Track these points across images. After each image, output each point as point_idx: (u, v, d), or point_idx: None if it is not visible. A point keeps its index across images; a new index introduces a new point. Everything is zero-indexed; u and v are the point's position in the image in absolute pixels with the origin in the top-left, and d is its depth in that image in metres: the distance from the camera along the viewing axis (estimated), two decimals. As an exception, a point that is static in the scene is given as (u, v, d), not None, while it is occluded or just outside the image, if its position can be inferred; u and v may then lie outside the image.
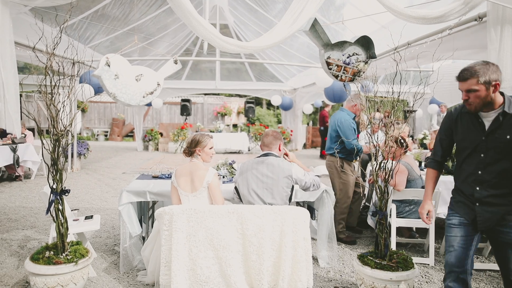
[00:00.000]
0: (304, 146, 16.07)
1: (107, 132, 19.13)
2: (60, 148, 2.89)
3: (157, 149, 14.19)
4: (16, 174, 7.70)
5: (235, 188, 3.25)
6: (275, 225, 2.75)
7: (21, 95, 3.72)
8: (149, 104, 13.24)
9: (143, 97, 2.82)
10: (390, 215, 3.72)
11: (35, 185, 7.38)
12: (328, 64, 3.24)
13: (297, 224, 2.77)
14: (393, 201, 3.87)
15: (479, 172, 2.27)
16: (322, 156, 12.31)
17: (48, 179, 2.89)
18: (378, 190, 2.99)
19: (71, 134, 8.34)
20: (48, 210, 2.91)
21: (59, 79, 2.89)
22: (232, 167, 4.28)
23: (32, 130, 10.87)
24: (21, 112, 4.24)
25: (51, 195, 2.91)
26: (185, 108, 14.22)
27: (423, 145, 8.55)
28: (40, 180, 7.84)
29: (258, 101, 19.59)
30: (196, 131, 14.20)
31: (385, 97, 3.08)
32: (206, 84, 14.33)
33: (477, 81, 2.14)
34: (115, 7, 7.54)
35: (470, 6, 3.29)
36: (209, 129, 15.44)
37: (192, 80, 14.44)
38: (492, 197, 2.24)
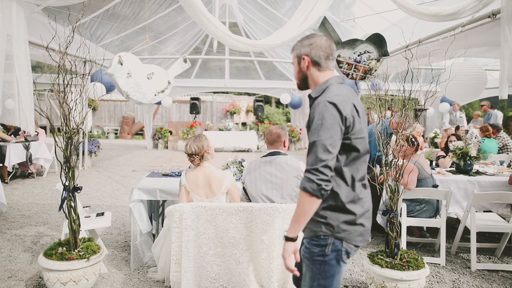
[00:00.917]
0: (313, 144, 16.00)
1: (117, 130, 19.31)
2: (73, 146, 2.93)
3: (167, 147, 14.27)
4: (29, 171, 7.83)
5: (243, 189, 3.19)
6: (285, 223, 2.75)
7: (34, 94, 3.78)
8: (159, 103, 13.31)
9: (155, 95, 2.84)
10: (401, 214, 3.69)
11: (47, 182, 7.49)
12: (339, 62, 3.22)
13: (307, 223, 2.76)
14: (404, 200, 3.84)
15: None
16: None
17: (60, 176, 2.94)
18: (388, 189, 2.97)
19: (83, 132, 8.43)
20: (61, 207, 2.95)
21: (72, 78, 2.93)
22: (242, 165, 4.28)
23: (44, 128, 11.03)
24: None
25: (64, 192, 2.95)
26: (194, 107, 14.28)
27: (434, 144, 8.47)
28: (52, 178, 7.95)
29: (267, 100, 19.57)
30: (206, 130, 14.25)
31: (395, 95, 3.06)
32: (216, 82, 14.37)
33: (293, 54, 1.90)
34: (125, 6, 7.60)
35: (484, 3, 3.24)
36: (218, 128, 15.48)
37: (201, 78, 14.49)
38: None
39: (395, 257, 2.91)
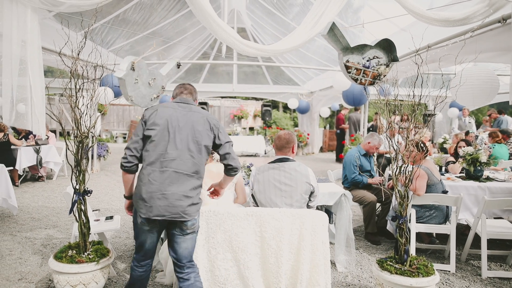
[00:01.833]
0: (321, 149, 15.96)
1: (125, 134, 19.45)
2: (83, 150, 2.97)
3: (174, 151, 14.31)
4: (39, 174, 7.92)
5: (252, 195, 3.17)
6: (294, 228, 2.75)
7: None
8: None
9: (151, 100, 2.90)
10: (410, 220, 3.66)
11: (57, 185, 7.57)
12: (347, 67, 3.22)
13: (316, 228, 2.76)
14: (413, 206, 3.81)
15: None
16: (339, 159, 12.20)
17: (71, 179, 2.97)
18: (398, 195, 2.95)
19: (94, 136, 8.52)
20: (71, 210, 2.98)
21: (83, 83, 2.97)
22: (250, 170, 4.29)
23: (53, 132, 11.15)
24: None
25: (74, 195, 2.98)
26: (202, 111, 14.31)
27: (443, 150, 8.40)
28: (61, 181, 8.03)
29: (274, 104, 19.59)
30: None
31: (404, 100, 3.04)
32: (223, 87, 14.43)
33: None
34: (135, 12, 7.70)
35: (495, 8, 3.22)
36: (225, 132, 15.48)
37: (209, 83, 14.57)
38: None
39: (405, 263, 2.88)
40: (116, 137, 19.17)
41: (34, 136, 7.79)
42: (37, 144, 7.56)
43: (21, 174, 7.39)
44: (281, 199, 2.98)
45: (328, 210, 4.00)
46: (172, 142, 2.42)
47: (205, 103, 14.53)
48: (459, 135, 7.75)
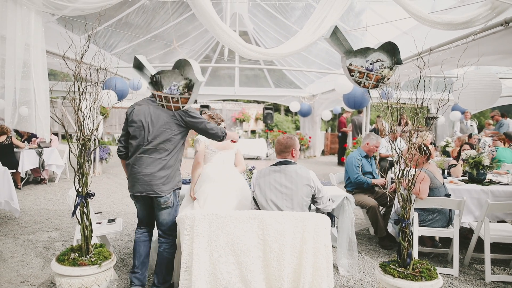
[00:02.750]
0: (323, 152, 15.95)
1: (127, 137, 19.46)
2: (86, 153, 2.97)
3: (176, 154, 14.33)
4: (41, 177, 7.93)
5: (253, 198, 3.20)
6: (296, 231, 2.74)
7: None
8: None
9: (195, 102, 2.97)
10: (413, 223, 3.65)
11: (59, 188, 7.58)
12: (350, 70, 3.22)
13: (318, 231, 2.75)
14: (416, 209, 3.80)
15: None
16: (341, 162, 12.18)
17: (74, 182, 2.98)
18: (400, 198, 2.94)
19: (97, 139, 8.55)
20: (74, 212, 2.98)
21: (86, 86, 2.98)
22: (252, 173, 4.29)
23: (56, 134, 11.18)
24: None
25: (77, 198, 2.98)
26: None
27: (445, 153, 8.38)
28: (63, 184, 8.05)
29: (276, 107, 19.60)
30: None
31: (406, 103, 3.04)
32: (225, 90, 14.45)
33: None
34: (138, 15, 7.73)
35: (498, 11, 3.22)
36: (227, 135, 15.49)
37: (211, 86, 14.59)
38: None
39: (408, 267, 2.87)
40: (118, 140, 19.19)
41: (37, 138, 7.81)
42: (39, 146, 7.58)
43: (24, 176, 7.41)
44: (282, 202, 3.01)
45: (330, 214, 3.99)
46: (147, 135, 2.98)
47: (207, 106, 14.56)
48: (461, 138, 7.73)
